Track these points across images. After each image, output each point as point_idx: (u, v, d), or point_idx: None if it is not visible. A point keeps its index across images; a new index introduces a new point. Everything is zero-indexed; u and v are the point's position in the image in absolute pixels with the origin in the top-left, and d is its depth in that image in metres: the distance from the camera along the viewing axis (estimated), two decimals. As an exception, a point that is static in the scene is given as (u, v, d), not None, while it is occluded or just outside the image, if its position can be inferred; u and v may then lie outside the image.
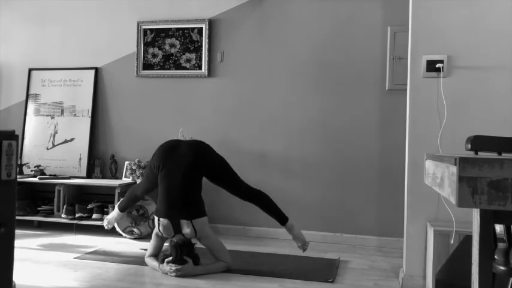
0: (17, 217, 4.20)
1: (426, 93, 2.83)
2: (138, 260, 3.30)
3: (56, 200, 4.31)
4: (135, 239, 4.02)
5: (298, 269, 3.19)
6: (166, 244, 3.21)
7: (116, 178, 4.50)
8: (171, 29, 4.50)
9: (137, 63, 4.56)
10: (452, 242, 2.59)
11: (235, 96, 4.35)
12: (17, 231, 4.06)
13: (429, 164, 1.57)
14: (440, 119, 2.80)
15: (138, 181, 4.22)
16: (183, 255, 2.97)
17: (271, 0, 4.27)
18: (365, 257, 3.62)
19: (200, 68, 4.42)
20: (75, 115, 4.69)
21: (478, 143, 1.57)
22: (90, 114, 4.64)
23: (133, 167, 4.29)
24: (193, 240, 3.12)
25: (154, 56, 4.54)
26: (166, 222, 3.07)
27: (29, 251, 3.53)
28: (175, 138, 3.56)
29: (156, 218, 3.13)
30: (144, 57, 4.56)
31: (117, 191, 4.12)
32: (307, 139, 4.17)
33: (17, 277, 2.85)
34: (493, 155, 1.47)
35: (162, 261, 3.02)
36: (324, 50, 4.15)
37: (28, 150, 4.76)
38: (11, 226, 1.39)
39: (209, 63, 4.39)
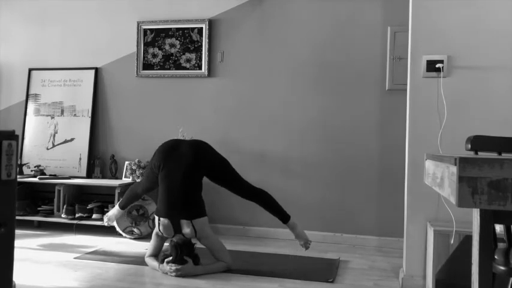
0: (17, 217, 4.20)
1: (426, 93, 2.83)
2: (138, 260, 3.30)
3: (56, 200, 4.31)
4: (135, 239, 4.02)
5: (298, 269, 3.19)
6: (166, 244, 3.21)
7: (116, 178, 4.50)
8: (171, 29, 4.50)
9: (137, 63, 4.56)
10: (452, 242, 2.59)
11: (235, 96, 4.35)
12: (17, 231, 4.06)
13: (429, 164, 1.57)
14: (440, 119, 2.80)
15: (138, 181, 4.22)
16: (183, 255, 2.97)
17: (271, 0, 4.27)
18: (365, 257, 3.62)
19: (200, 68, 4.42)
20: (75, 115, 4.69)
21: (478, 143, 1.57)
22: (90, 114, 4.64)
23: (133, 167, 4.29)
24: (193, 240, 3.12)
25: (154, 56, 4.54)
26: (166, 222, 3.07)
27: (29, 251, 3.53)
28: (176, 138, 3.55)
29: (156, 218, 3.13)
30: (144, 57, 4.56)
31: (117, 191, 4.12)
32: (307, 139, 4.17)
33: (17, 277, 2.85)
34: (493, 155, 1.47)
35: (162, 261, 3.02)
36: (324, 50, 4.15)
37: (28, 150, 4.76)
38: (11, 226, 1.39)
39: (209, 63, 4.39)
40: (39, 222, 4.48)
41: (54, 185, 4.37)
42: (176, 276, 2.95)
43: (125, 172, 4.42)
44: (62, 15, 4.82)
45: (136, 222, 4.06)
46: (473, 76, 2.77)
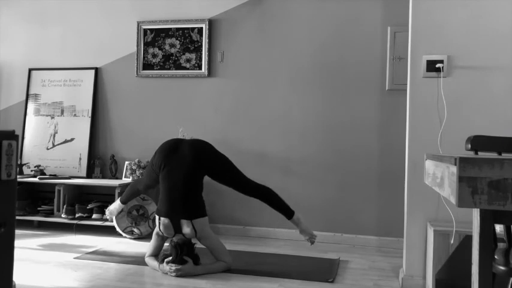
0: (17, 217, 4.20)
1: (426, 93, 2.83)
2: (138, 260, 3.30)
3: (56, 200, 4.31)
4: (135, 239, 4.02)
5: (298, 269, 3.19)
6: (166, 244, 3.22)
7: (116, 178, 4.50)
8: (171, 29, 4.50)
9: (137, 63, 4.56)
10: (452, 242, 2.59)
11: (235, 96, 4.35)
12: (17, 231, 4.06)
13: (429, 164, 1.57)
14: (440, 119, 2.80)
15: (139, 177, 4.22)
16: (183, 255, 2.97)
17: (271, 0, 4.27)
18: (365, 257, 3.62)
19: (200, 68, 4.42)
20: (75, 115, 4.69)
21: (478, 143, 1.57)
22: (90, 114, 4.64)
23: (134, 167, 4.29)
24: (194, 240, 3.12)
25: (154, 56, 4.54)
26: (167, 222, 3.07)
27: (29, 251, 3.53)
28: (177, 138, 3.55)
29: (157, 217, 3.13)
30: (144, 57, 4.56)
31: (117, 191, 4.12)
32: (307, 139, 4.17)
33: (17, 277, 2.85)
34: (493, 155, 1.47)
35: (162, 261, 3.02)
36: (323, 50, 4.15)
37: (28, 150, 4.76)
38: (11, 226, 1.39)
39: (209, 63, 4.39)
40: (39, 222, 4.47)
41: (54, 185, 4.37)
42: (176, 276, 2.95)
43: (125, 172, 4.42)
44: (62, 15, 4.82)
45: (137, 222, 4.06)
46: (473, 76, 2.77)
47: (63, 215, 4.22)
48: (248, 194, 3.24)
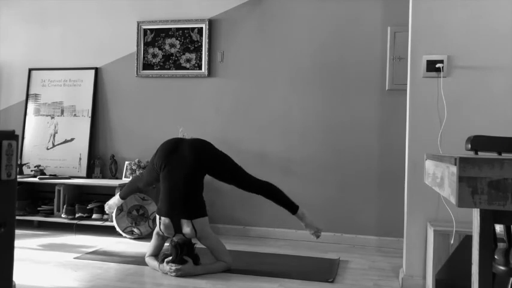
0: (17, 217, 4.20)
1: (426, 93, 2.83)
2: (138, 260, 3.30)
3: (56, 200, 4.31)
4: (135, 239, 4.02)
5: (298, 269, 3.19)
6: (166, 244, 3.22)
7: (116, 178, 4.50)
8: (171, 29, 4.50)
9: (137, 63, 4.56)
10: (452, 242, 2.59)
11: (235, 96, 4.35)
12: (17, 231, 4.06)
13: (429, 164, 1.57)
14: (440, 119, 2.80)
15: (139, 174, 4.22)
16: (183, 255, 2.97)
17: (271, 0, 4.27)
18: (365, 257, 3.62)
19: (200, 68, 4.42)
20: (75, 115, 4.69)
21: (478, 143, 1.57)
22: (90, 114, 4.64)
23: (134, 167, 4.30)
24: (194, 240, 3.12)
25: (154, 56, 4.54)
26: (167, 221, 3.07)
27: (29, 251, 3.53)
28: (177, 137, 3.55)
29: (157, 217, 3.14)
30: (144, 57, 4.56)
31: (117, 191, 4.12)
32: (307, 139, 4.17)
33: (17, 277, 2.85)
34: (493, 155, 1.47)
35: (162, 261, 3.02)
36: (323, 50, 4.15)
37: (28, 150, 4.76)
38: (11, 226, 1.39)
39: (209, 63, 4.39)
40: (39, 222, 4.47)
41: (54, 185, 4.37)
42: (176, 276, 2.95)
43: (125, 172, 4.42)
44: (62, 15, 4.82)
45: (137, 222, 4.06)
46: (473, 76, 2.77)
47: (63, 215, 4.22)
48: (251, 191, 3.23)
